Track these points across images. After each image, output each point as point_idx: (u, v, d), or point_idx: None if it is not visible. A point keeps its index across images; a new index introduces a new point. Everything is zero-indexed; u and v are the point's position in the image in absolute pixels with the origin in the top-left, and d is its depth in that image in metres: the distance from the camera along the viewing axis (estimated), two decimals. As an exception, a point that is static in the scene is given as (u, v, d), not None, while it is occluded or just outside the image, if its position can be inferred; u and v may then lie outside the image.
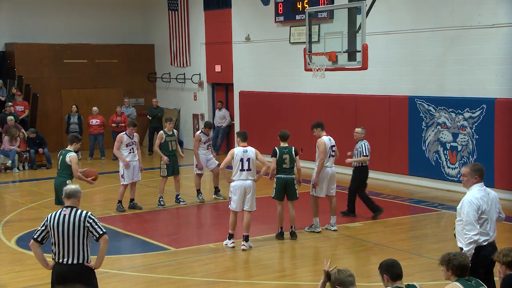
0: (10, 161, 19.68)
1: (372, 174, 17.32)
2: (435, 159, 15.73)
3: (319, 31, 15.51)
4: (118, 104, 22.67)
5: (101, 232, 6.81)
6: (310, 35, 14.05)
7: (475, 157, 14.83)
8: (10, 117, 20.18)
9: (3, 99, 21.84)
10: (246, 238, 11.14)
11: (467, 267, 5.87)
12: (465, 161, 15.02)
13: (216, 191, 15.15)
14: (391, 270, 5.82)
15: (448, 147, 15.44)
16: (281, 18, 19.50)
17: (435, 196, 15.01)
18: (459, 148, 15.20)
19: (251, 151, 11.18)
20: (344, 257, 10.77)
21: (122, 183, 13.94)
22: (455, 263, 5.85)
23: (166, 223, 13.59)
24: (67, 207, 6.87)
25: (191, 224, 13.55)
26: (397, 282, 5.80)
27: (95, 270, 7.00)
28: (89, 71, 24.34)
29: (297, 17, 18.79)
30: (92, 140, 21.82)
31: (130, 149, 13.85)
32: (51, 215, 6.89)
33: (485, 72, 14.74)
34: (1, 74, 23.08)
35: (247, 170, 11.10)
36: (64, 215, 6.81)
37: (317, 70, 13.73)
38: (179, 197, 14.69)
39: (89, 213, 6.87)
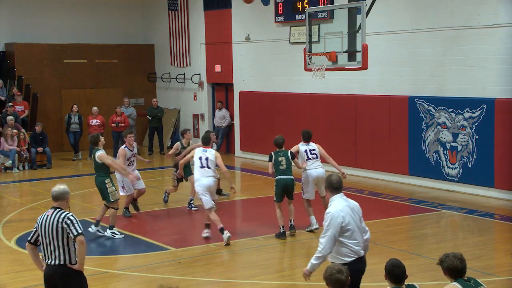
0: (10, 161, 19.68)
1: (372, 174, 17.38)
2: (435, 159, 15.72)
3: (319, 31, 15.51)
4: (118, 104, 22.67)
5: (76, 233, 6.68)
6: (310, 35, 14.04)
7: (475, 157, 14.83)
8: (10, 117, 20.18)
9: (3, 99, 21.85)
10: (208, 226, 11.81)
11: (458, 268, 5.80)
12: (465, 161, 15.02)
13: (219, 191, 15.13)
14: (391, 272, 5.81)
15: (448, 147, 15.44)
16: (281, 18, 19.49)
17: (435, 196, 15.00)
18: (459, 148, 15.19)
19: (211, 152, 11.62)
20: (344, 257, 10.74)
21: (125, 194, 13.26)
22: (444, 265, 5.84)
23: (166, 223, 13.59)
24: (52, 208, 6.86)
25: (191, 224, 13.55)
26: (397, 284, 5.78)
27: (83, 271, 6.93)
28: (89, 71, 24.34)
29: (297, 17, 18.78)
30: (92, 140, 21.80)
31: (130, 162, 13.33)
32: (40, 217, 6.90)
33: (485, 72, 14.74)
34: (1, 74, 23.08)
35: (207, 167, 11.48)
36: (47, 216, 6.80)
37: (317, 70, 13.73)
38: (191, 202, 14.31)
39: (69, 214, 6.79)
